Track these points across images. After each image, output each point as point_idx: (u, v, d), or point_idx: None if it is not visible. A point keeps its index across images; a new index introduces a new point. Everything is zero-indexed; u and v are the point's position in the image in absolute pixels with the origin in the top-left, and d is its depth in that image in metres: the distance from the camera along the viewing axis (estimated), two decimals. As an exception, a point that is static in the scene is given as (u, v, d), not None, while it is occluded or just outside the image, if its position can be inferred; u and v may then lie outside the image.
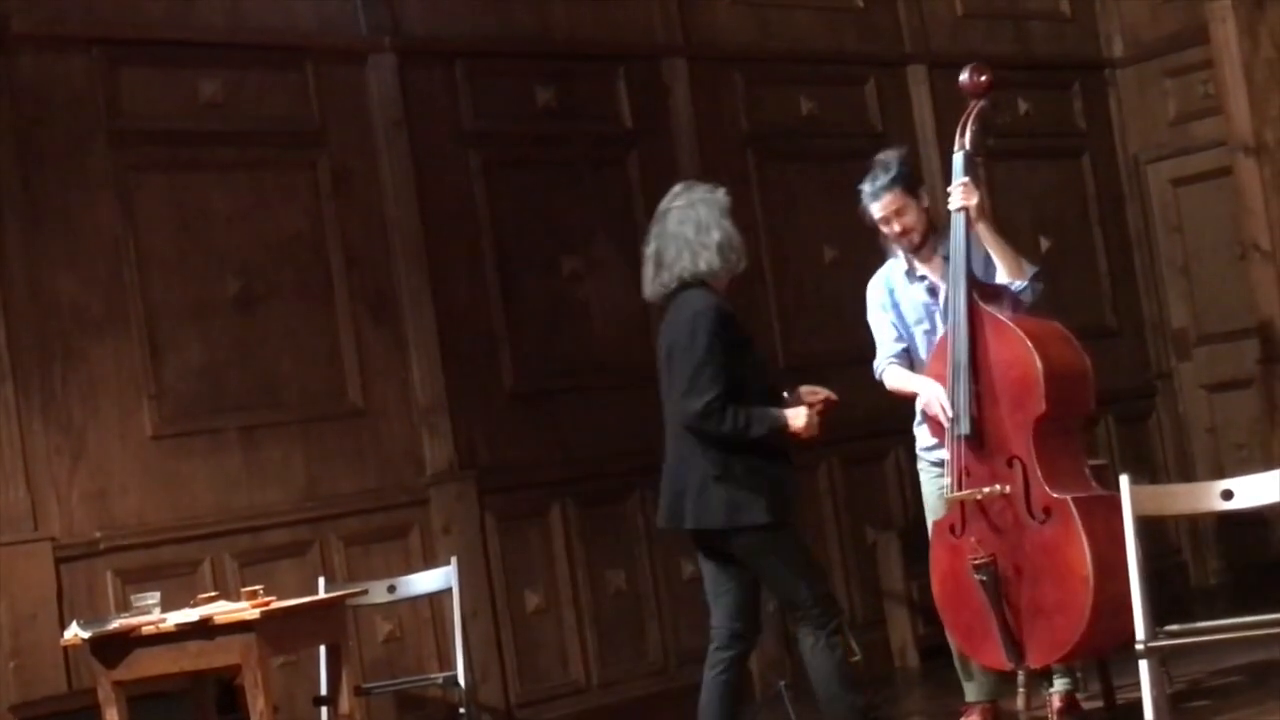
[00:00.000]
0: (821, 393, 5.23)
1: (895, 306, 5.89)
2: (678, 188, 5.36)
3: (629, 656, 7.31)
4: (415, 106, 7.04)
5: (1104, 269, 9.23)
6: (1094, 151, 9.34)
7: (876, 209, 5.78)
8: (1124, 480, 4.79)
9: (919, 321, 5.86)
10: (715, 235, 5.17)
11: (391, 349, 6.90)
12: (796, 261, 8.09)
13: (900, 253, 5.87)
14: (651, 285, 5.26)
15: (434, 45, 7.14)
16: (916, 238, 5.78)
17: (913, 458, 7.81)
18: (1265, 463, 6.56)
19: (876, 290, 5.96)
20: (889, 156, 5.83)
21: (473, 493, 6.96)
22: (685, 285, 5.16)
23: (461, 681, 6.23)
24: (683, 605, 7.46)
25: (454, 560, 6.39)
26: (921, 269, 5.84)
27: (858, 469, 8.07)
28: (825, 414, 5.22)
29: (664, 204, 5.29)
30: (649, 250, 5.26)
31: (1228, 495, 4.71)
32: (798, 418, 5.14)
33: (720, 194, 5.30)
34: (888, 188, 5.73)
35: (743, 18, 8.11)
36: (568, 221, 7.43)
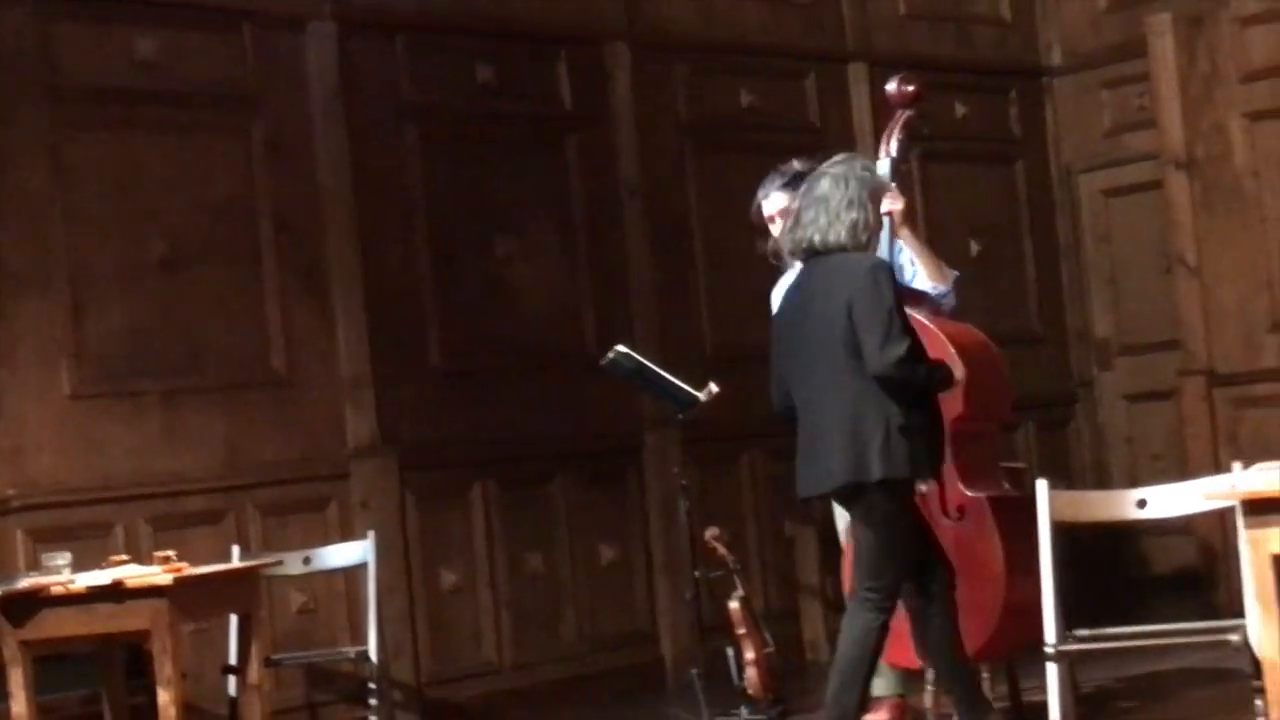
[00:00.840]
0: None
1: None
2: (841, 156, 5.23)
3: (543, 640, 7.30)
4: (353, 77, 6.99)
5: (1032, 276, 9.29)
6: (1028, 158, 9.40)
7: (768, 206, 5.86)
8: (1041, 485, 4.84)
9: None
10: (854, 214, 5.02)
11: (318, 320, 6.86)
12: (730, 253, 8.09)
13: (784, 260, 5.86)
14: (786, 238, 5.19)
15: (375, 17, 7.10)
16: None
17: (835, 453, 7.88)
18: (1181, 474, 6.63)
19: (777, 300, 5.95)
20: (790, 164, 5.84)
21: (394, 468, 6.93)
22: (824, 251, 5.03)
23: (373, 657, 6.22)
24: (600, 591, 7.47)
25: (371, 535, 6.38)
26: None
27: (779, 462, 8.07)
28: None
29: (824, 166, 5.18)
30: (795, 204, 5.17)
31: (1142, 504, 4.78)
32: (958, 369, 5.09)
33: (877, 176, 5.22)
34: (781, 189, 5.77)
35: (688, 6, 8.10)
36: (503, 202, 7.41)
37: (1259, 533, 4.26)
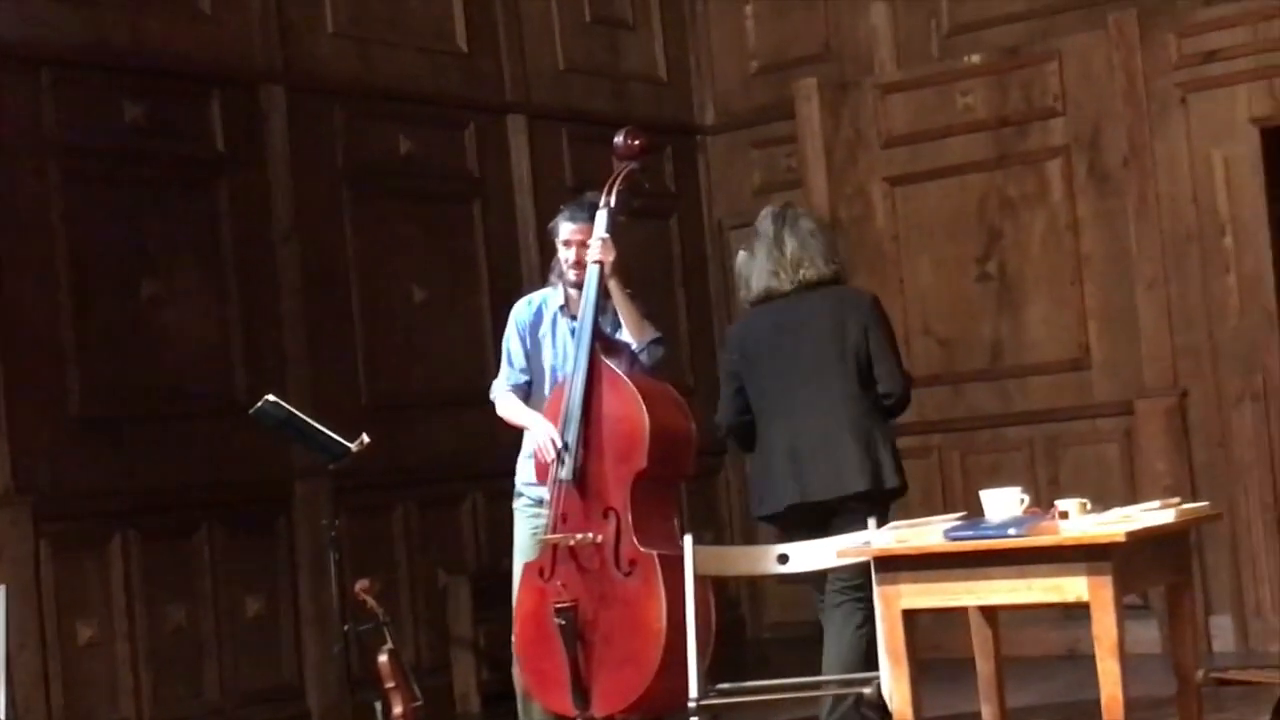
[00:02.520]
0: None
1: (535, 334, 5.93)
2: (779, 206, 5.76)
3: (184, 695, 7.09)
4: (-6, 111, 6.73)
5: (685, 328, 9.50)
6: (682, 214, 9.62)
7: (567, 229, 5.86)
8: (687, 541, 4.93)
9: (557, 360, 5.89)
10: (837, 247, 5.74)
11: (-51, 363, 6.55)
12: (386, 301, 8.05)
13: (561, 286, 5.92)
14: (786, 275, 5.58)
15: (19, 50, 6.83)
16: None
17: (490, 501, 7.90)
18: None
19: (521, 315, 5.98)
20: (585, 196, 5.99)
21: (27, 518, 6.64)
22: (818, 283, 5.56)
23: (2, 715, 5.94)
24: (244, 644, 7.30)
25: (2, 588, 6.09)
26: (575, 309, 5.89)
27: (433, 511, 8.07)
28: None
29: (782, 211, 5.69)
30: (777, 243, 5.60)
31: (783, 559, 4.91)
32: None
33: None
34: (589, 217, 5.84)
35: (345, 50, 8.05)
36: (151, 243, 7.21)
37: (890, 589, 4.44)
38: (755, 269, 5.66)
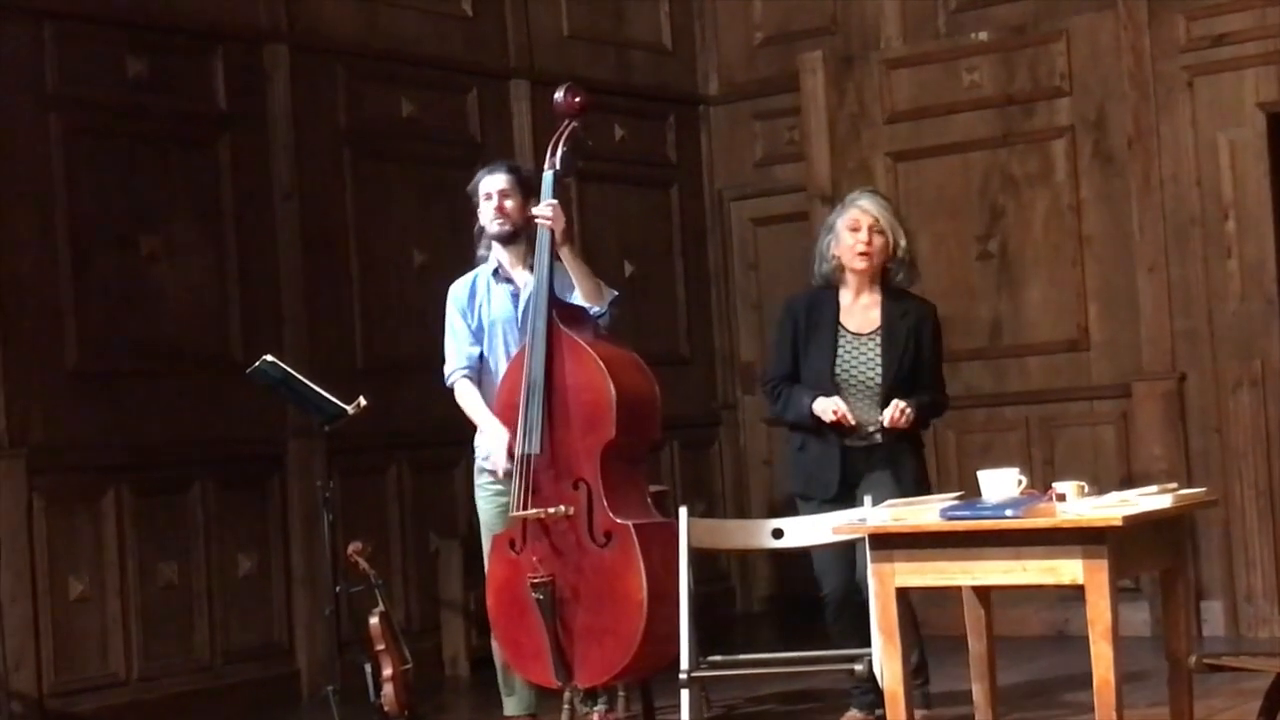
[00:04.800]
0: None
1: (477, 310, 5.90)
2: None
3: (174, 651, 7.09)
4: (-4, 63, 6.69)
5: (682, 298, 9.48)
6: (682, 184, 9.59)
7: (488, 183, 5.87)
8: (682, 513, 4.93)
9: (501, 327, 5.87)
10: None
11: (-55, 314, 6.53)
12: (385, 263, 8.03)
13: (490, 249, 5.89)
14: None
15: (21, 2, 6.79)
16: (509, 226, 5.84)
17: (481, 468, 7.88)
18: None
19: (459, 293, 5.95)
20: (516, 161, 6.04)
21: (21, 471, 6.63)
22: None
23: (-8, 669, 5.95)
24: (235, 602, 7.30)
25: (-5, 542, 6.10)
26: (508, 272, 5.88)
27: (426, 475, 8.06)
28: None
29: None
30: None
31: (778, 534, 4.91)
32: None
33: (840, 207, 5.83)
34: (507, 172, 5.88)
35: (349, 11, 8.00)
36: (150, 199, 7.18)
37: (884, 566, 4.43)
38: None
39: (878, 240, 5.65)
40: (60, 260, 6.86)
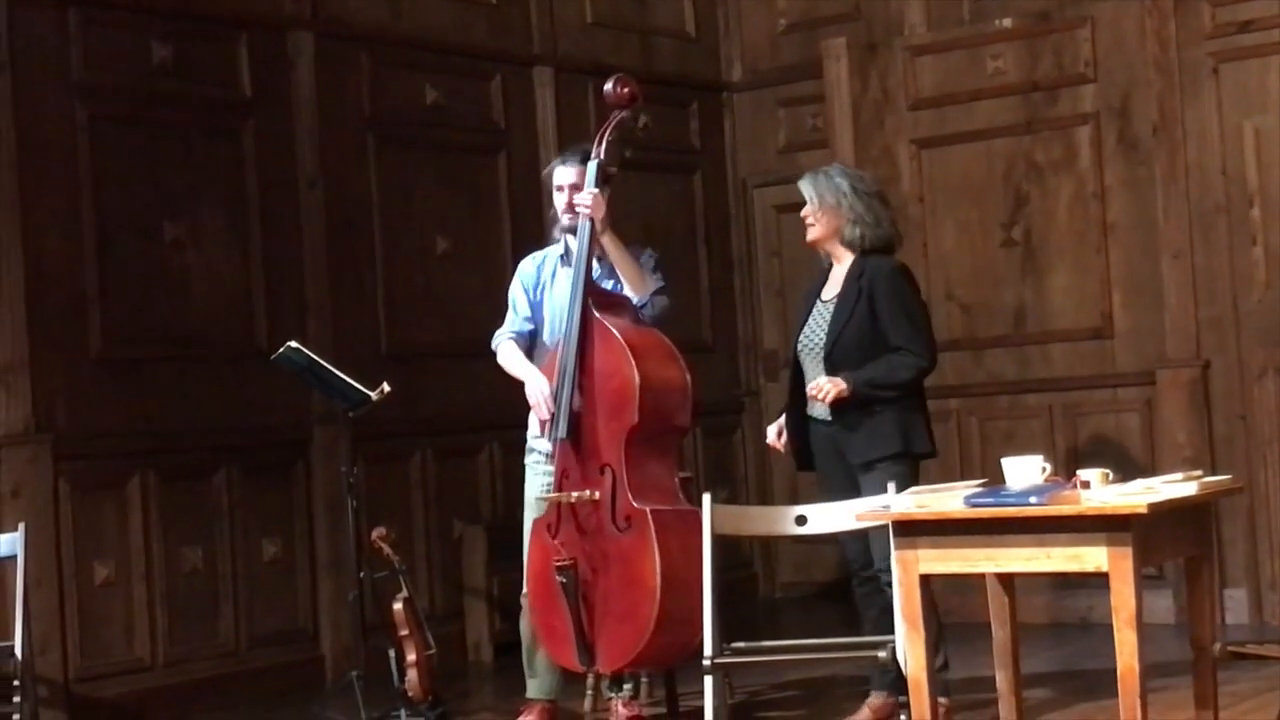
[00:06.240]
0: None
1: (539, 288, 5.95)
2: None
3: (199, 636, 7.13)
4: (21, 50, 6.69)
5: (705, 286, 9.48)
6: (706, 171, 9.59)
7: (560, 174, 5.89)
8: (706, 500, 4.94)
9: (556, 308, 5.89)
10: None
11: (-27, 301, 6.56)
12: (409, 250, 8.04)
13: (562, 237, 5.92)
14: (868, 231, 5.76)
15: (48, -12, 6.83)
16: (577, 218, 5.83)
17: (506, 453, 7.90)
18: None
19: (527, 269, 6.03)
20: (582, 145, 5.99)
21: (47, 457, 6.66)
22: None
23: (18, 653, 5.97)
24: (260, 588, 7.33)
25: (22, 526, 6.12)
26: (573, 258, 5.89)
27: (451, 461, 8.08)
28: None
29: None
30: (852, 203, 5.72)
31: (801, 520, 4.91)
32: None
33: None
34: (581, 161, 5.85)
35: (374, -1, 8.03)
36: (175, 186, 7.20)
37: (908, 553, 4.43)
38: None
39: (816, 223, 5.71)
40: (85, 247, 6.89)
